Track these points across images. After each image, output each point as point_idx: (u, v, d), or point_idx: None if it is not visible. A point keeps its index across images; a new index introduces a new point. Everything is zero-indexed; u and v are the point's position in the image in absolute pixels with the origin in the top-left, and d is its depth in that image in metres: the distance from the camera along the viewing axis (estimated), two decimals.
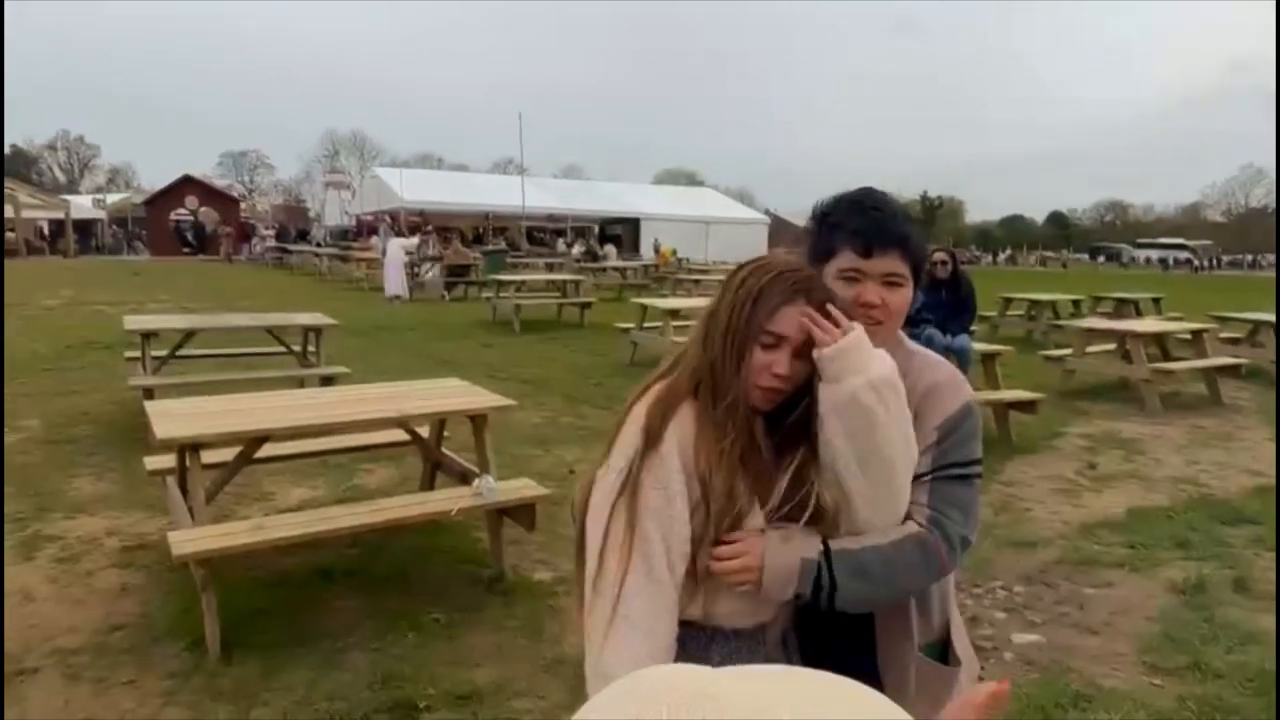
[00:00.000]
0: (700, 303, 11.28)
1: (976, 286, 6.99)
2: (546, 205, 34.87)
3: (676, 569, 1.24)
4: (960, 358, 5.79)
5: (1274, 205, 69.48)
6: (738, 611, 1.33)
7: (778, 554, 1.28)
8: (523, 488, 3.75)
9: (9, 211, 30.02)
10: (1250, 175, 72.25)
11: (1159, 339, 8.70)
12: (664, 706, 0.43)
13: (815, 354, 1.27)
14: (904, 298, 1.43)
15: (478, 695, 2.86)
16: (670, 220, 35.64)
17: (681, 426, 1.28)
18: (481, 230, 34.29)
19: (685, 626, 1.28)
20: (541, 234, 36.63)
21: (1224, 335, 10.07)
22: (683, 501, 1.25)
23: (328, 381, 6.39)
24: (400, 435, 4.34)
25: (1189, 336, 8.89)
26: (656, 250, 31.71)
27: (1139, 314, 12.54)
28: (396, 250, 17.62)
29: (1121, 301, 13.32)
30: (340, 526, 3.24)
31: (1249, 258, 57.81)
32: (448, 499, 3.59)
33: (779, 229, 49.05)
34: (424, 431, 4.28)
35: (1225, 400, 8.25)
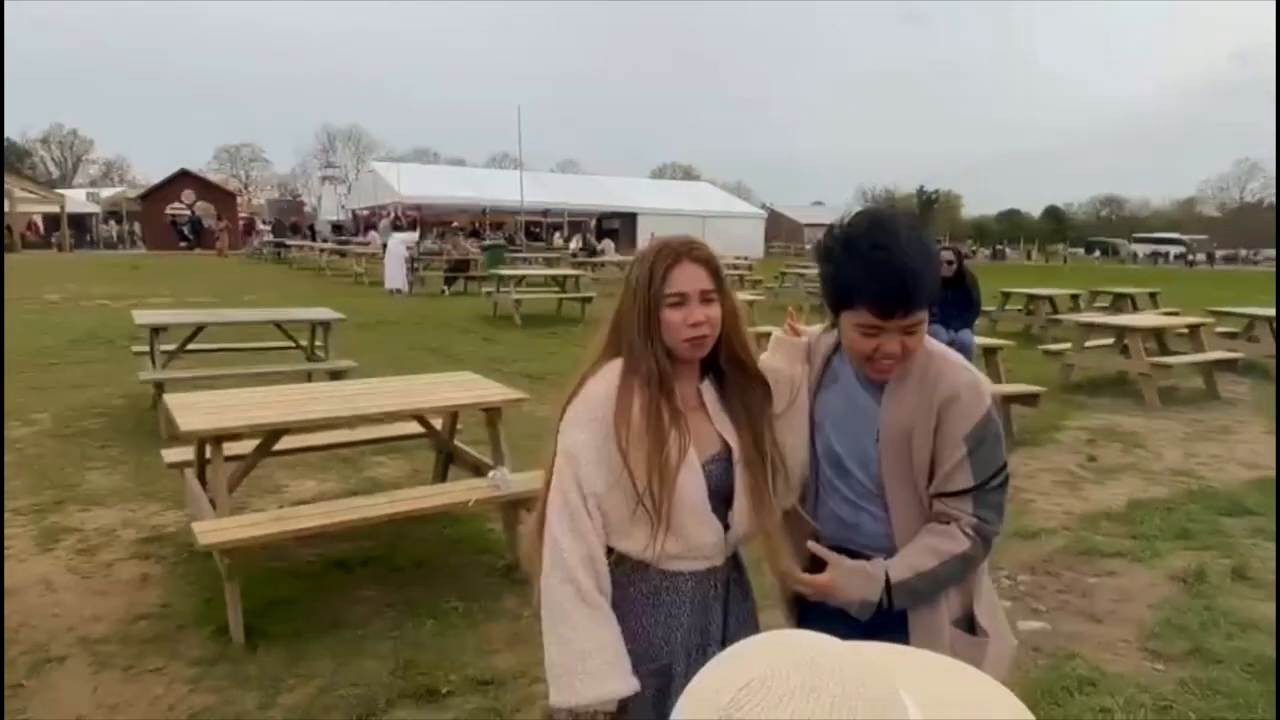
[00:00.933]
0: None
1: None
2: (543, 200, 34.92)
3: (589, 500, 1.48)
4: (962, 353, 5.83)
5: (1269, 199, 69.69)
6: (687, 557, 1.53)
7: (851, 590, 1.50)
8: (536, 479, 3.80)
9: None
10: (1245, 169, 72.51)
11: (1157, 334, 8.78)
12: (787, 664, 0.48)
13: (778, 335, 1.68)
14: (922, 336, 1.50)
15: (498, 681, 2.93)
16: (667, 215, 35.68)
17: (598, 386, 1.52)
18: (479, 225, 34.31)
19: (641, 567, 1.52)
20: (538, 229, 36.66)
21: (1220, 330, 10.17)
22: (589, 446, 1.49)
23: (337, 376, 6.44)
24: (412, 428, 4.40)
25: (1186, 331, 8.98)
26: None
27: (1136, 308, 12.63)
28: (397, 244, 17.66)
29: (1119, 296, 13.41)
30: (364, 516, 3.30)
31: (1244, 252, 57.97)
32: (464, 490, 3.65)
33: (775, 222, 49.12)
34: (438, 424, 4.34)
35: (1222, 394, 8.34)
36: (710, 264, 1.52)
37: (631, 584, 1.53)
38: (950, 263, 6.05)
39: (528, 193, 31.34)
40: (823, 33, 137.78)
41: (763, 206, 49.80)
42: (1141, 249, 53.57)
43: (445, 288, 18.06)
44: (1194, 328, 8.93)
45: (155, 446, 4.84)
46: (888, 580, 1.48)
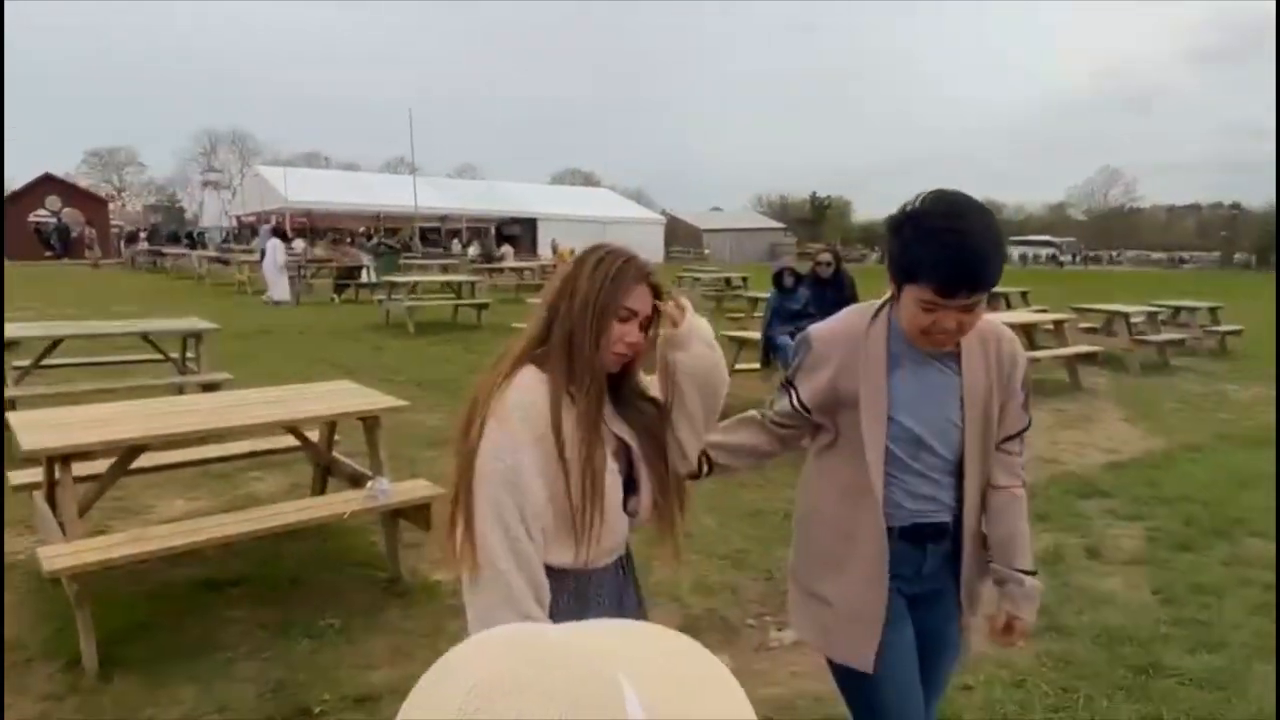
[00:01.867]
0: None
1: (858, 283, 7.34)
2: (440, 205, 34.29)
3: (532, 526, 1.40)
4: None
5: (1130, 204, 75.07)
6: (605, 555, 1.53)
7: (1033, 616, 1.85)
8: (418, 488, 3.73)
9: None
10: (1108, 176, 77.71)
11: (1025, 329, 9.30)
12: (513, 662, 0.47)
13: (667, 331, 1.53)
14: (978, 315, 1.58)
15: (376, 697, 2.85)
16: (568, 220, 35.62)
17: (528, 396, 1.43)
18: (372, 231, 33.42)
19: (563, 573, 1.47)
20: (435, 235, 35.97)
21: (1083, 325, 10.86)
22: (533, 468, 1.39)
23: (210, 389, 6.13)
24: (289, 440, 4.24)
25: (1052, 327, 9.56)
26: (554, 251, 31.60)
27: (1009, 306, 13.34)
28: (277, 252, 16.89)
29: (994, 295, 14.15)
30: (227, 534, 3.15)
31: (1108, 254, 62.37)
32: (341, 502, 3.54)
33: (675, 228, 49.70)
34: (314, 436, 4.20)
35: (1084, 385, 8.91)
36: (659, 293, 1.53)
37: (559, 592, 1.47)
38: (828, 263, 6.25)
39: (425, 198, 30.72)
40: (715, 39, 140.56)
41: (662, 213, 50.32)
42: (1022, 250, 56.91)
43: (335, 296, 17.51)
44: (1058, 324, 9.51)
45: (6, 468, 4.50)
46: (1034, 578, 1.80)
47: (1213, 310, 12.38)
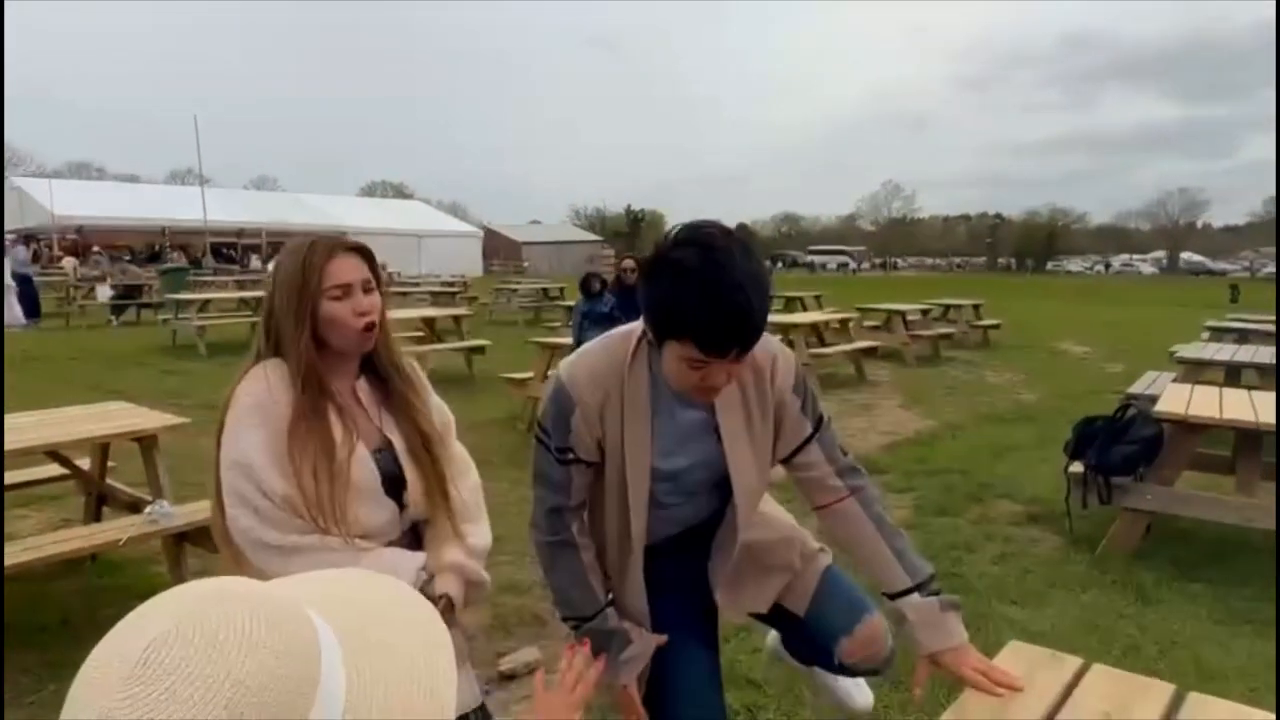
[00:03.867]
0: (415, 313, 11.11)
1: None
2: (236, 219, 32.13)
3: (278, 505, 1.45)
4: None
5: (911, 215, 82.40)
6: (370, 537, 1.55)
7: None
8: (203, 509, 3.54)
9: None
10: (890, 190, 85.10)
11: (816, 328, 10.07)
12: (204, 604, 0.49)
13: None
14: (748, 359, 1.40)
15: None
16: (379, 233, 34.37)
17: (255, 391, 1.49)
18: (158, 247, 30.76)
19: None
20: (231, 250, 33.62)
21: (867, 324, 11.89)
22: (266, 458, 1.45)
23: None
24: (57, 470, 3.89)
25: (839, 326, 10.40)
26: None
27: (805, 309, 14.36)
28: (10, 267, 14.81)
29: (790, 299, 15.17)
30: None
31: (893, 260, 68.27)
32: (116, 529, 3.30)
33: (494, 241, 49.25)
34: (84, 465, 3.87)
35: (868, 377, 9.77)
36: (365, 253, 1.55)
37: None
38: (632, 270, 6.51)
39: (219, 211, 28.68)
40: (528, 53, 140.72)
41: (481, 226, 49.71)
42: (820, 259, 61.25)
43: (113, 317, 15.97)
44: (844, 322, 10.37)
45: None
46: (941, 595, 1.57)
47: (976, 307, 13.94)
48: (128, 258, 25.00)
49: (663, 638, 1.67)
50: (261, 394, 1.47)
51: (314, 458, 1.45)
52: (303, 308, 1.48)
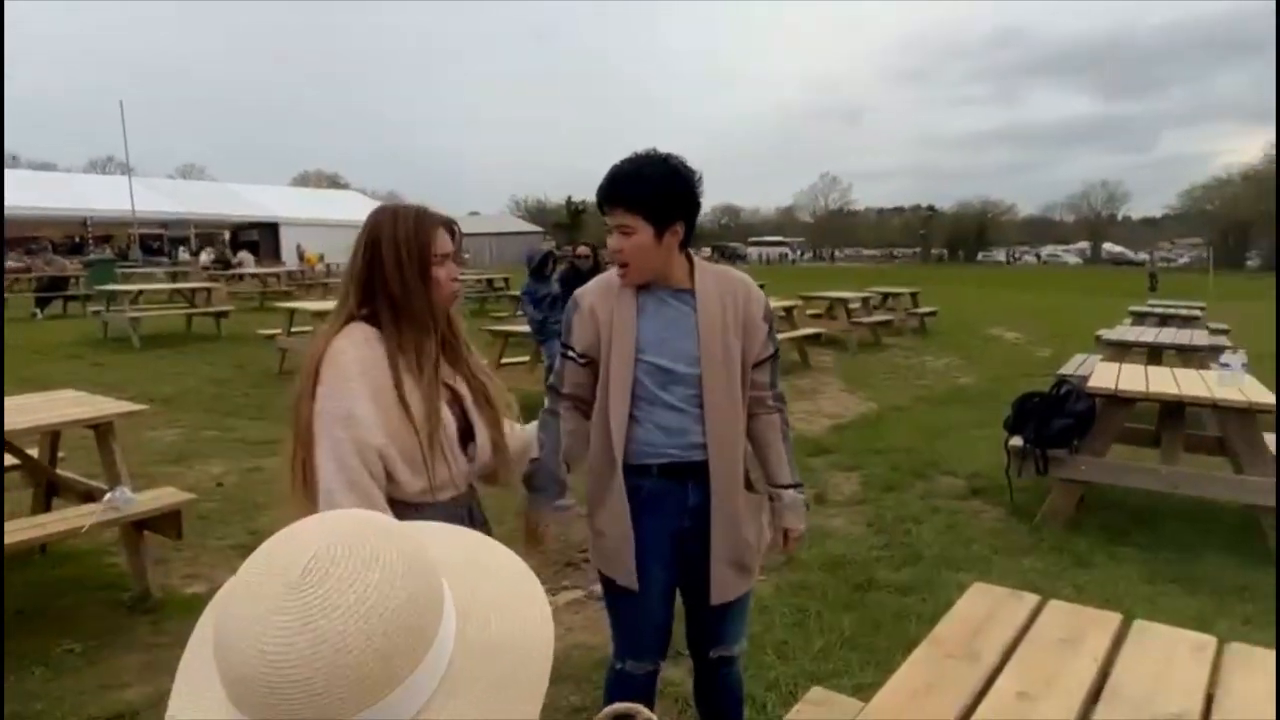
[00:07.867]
0: None
1: None
2: (162, 210, 30.95)
3: (371, 460, 1.49)
4: None
5: (847, 206, 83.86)
6: (442, 488, 1.60)
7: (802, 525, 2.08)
8: (164, 496, 3.50)
9: None
10: (828, 182, 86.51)
11: None
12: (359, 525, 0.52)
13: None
14: (637, 243, 1.81)
15: (131, 713, 2.68)
16: (313, 225, 33.59)
17: (361, 349, 1.53)
18: (80, 238, 29.54)
19: (405, 506, 1.55)
20: (158, 242, 32.47)
21: (810, 312, 12.14)
22: (369, 414, 1.49)
23: None
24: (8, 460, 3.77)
25: (784, 313, 10.60)
26: (301, 257, 29.76)
27: None
28: None
29: None
30: None
31: (831, 251, 69.52)
32: (76, 517, 3.24)
33: None
34: (32, 452, 3.78)
35: (813, 363, 10.01)
36: (456, 233, 1.67)
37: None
38: (587, 257, 6.56)
39: (145, 201, 27.58)
40: (462, 40, 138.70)
41: None
42: (759, 251, 61.94)
43: (38, 310, 15.35)
44: (789, 310, 10.58)
45: None
46: (803, 495, 2.06)
47: (913, 295, 14.34)
48: (51, 248, 23.96)
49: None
50: (363, 350, 1.52)
51: (424, 400, 1.53)
52: (425, 268, 1.57)
